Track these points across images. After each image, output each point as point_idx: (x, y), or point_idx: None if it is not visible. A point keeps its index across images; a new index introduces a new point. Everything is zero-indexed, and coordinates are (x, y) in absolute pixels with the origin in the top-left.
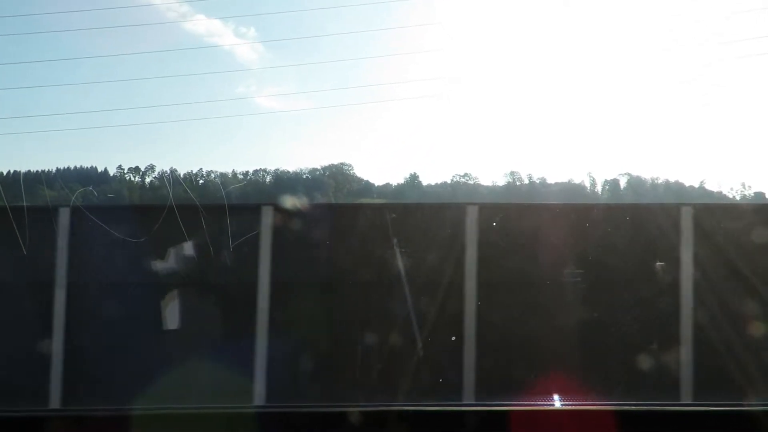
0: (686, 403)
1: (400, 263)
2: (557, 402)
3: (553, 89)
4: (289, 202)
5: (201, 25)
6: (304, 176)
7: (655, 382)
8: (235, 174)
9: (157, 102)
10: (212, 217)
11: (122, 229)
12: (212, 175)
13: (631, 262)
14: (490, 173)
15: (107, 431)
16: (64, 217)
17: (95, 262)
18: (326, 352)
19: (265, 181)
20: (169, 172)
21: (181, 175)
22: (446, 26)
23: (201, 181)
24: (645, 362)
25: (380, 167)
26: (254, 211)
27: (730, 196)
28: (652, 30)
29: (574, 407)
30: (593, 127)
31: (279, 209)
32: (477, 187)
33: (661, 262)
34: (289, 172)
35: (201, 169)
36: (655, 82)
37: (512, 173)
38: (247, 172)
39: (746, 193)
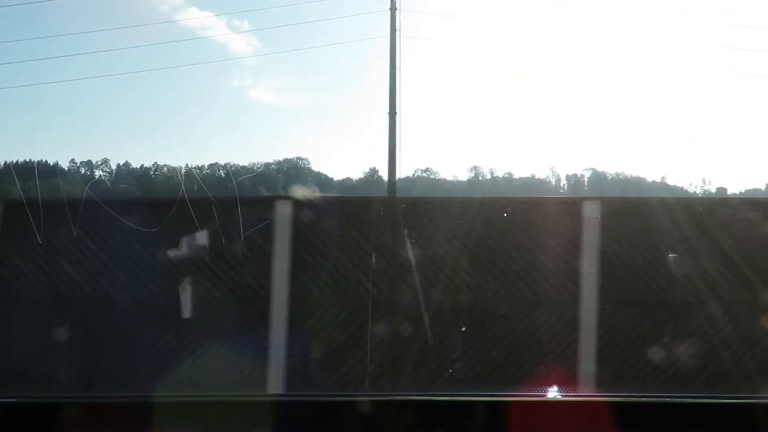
0: (684, 395)
1: (410, 254)
2: (552, 393)
3: (515, 84)
4: (300, 193)
5: (194, 18)
6: (257, 169)
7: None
8: (188, 167)
9: (149, 97)
10: (222, 211)
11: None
12: (165, 168)
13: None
14: (452, 168)
15: (121, 419)
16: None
17: None
18: (336, 341)
19: (217, 176)
20: (111, 166)
21: (138, 168)
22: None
23: (153, 175)
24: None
25: (338, 162)
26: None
27: (691, 191)
28: (615, 24)
29: (580, 398)
30: (556, 122)
31: (296, 201)
32: (439, 182)
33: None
34: (239, 166)
35: (155, 162)
36: (619, 77)
37: (474, 168)
38: (203, 166)
39: (707, 188)
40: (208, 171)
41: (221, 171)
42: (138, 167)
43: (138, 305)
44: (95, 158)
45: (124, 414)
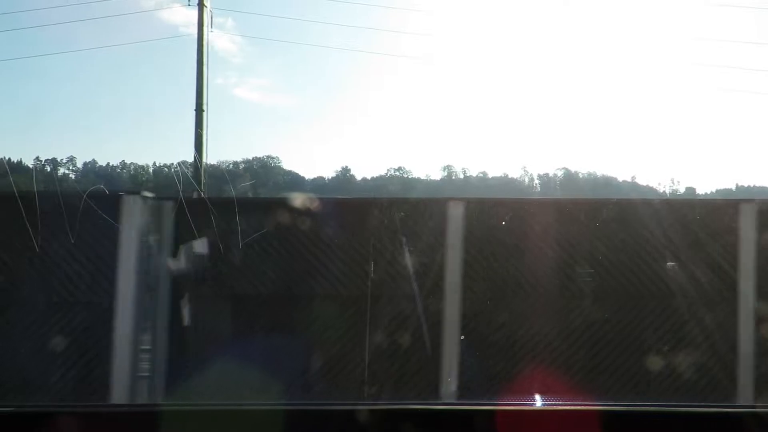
0: (670, 403)
1: (408, 261)
2: (539, 402)
3: (488, 83)
4: (299, 200)
5: (178, 14)
6: (225, 167)
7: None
8: (156, 165)
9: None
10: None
11: None
12: (132, 166)
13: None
14: (425, 167)
15: (120, 428)
16: None
17: None
18: (335, 350)
19: (180, 174)
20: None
21: (104, 167)
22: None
23: (121, 172)
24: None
25: (310, 161)
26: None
27: (660, 191)
28: (587, 27)
29: (578, 408)
30: (529, 122)
31: (289, 207)
32: (412, 181)
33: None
34: (207, 165)
35: (123, 160)
36: (591, 79)
37: (447, 167)
38: (171, 164)
39: (676, 188)
40: (177, 169)
41: (188, 169)
42: (104, 165)
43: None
44: (62, 156)
45: (124, 423)
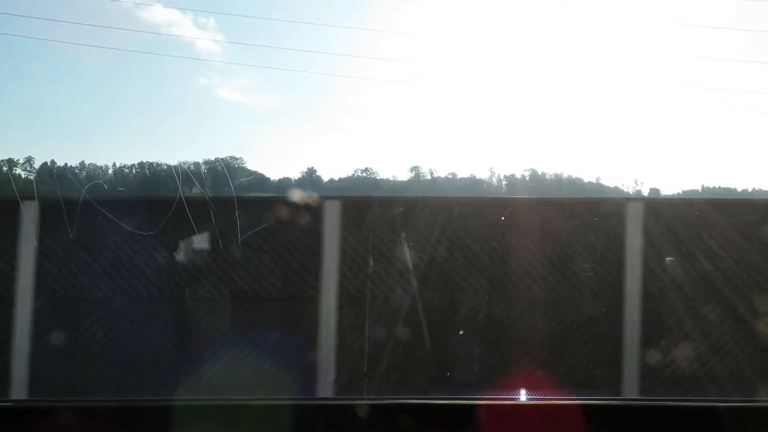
0: (654, 398)
1: (408, 257)
2: (523, 396)
3: (456, 85)
4: (297, 196)
5: (159, 14)
6: (186, 167)
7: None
8: (116, 166)
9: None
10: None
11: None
12: (91, 167)
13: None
14: (392, 168)
15: (120, 423)
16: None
17: None
18: (336, 345)
19: (143, 175)
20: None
21: (62, 167)
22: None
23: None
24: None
25: (277, 162)
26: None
27: (625, 190)
28: (554, 28)
29: (572, 402)
30: (497, 123)
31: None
32: (379, 182)
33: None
34: (167, 165)
35: (82, 161)
36: (557, 81)
37: (415, 168)
38: (133, 164)
39: (639, 188)
40: (138, 170)
41: (147, 170)
42: (62, 165)
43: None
44: (19, 156)
45: (123, 418)
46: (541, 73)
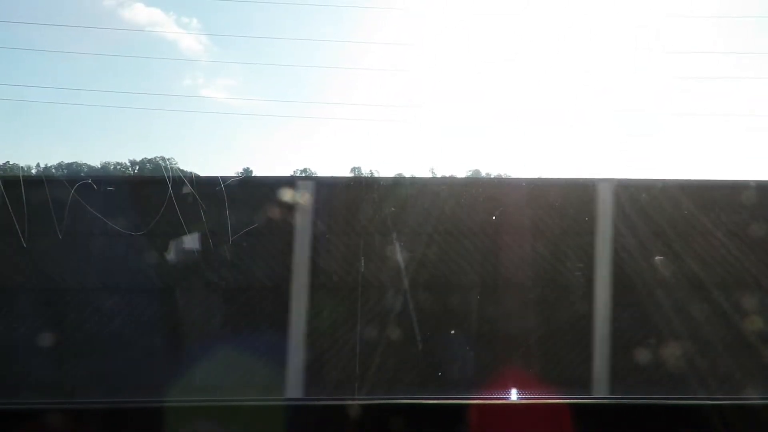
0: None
1: (399, 257)
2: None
3: (400, 85)
4: (288, 195)
5: (141, 13)
6: (113, 168)
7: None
8: (39, 167)
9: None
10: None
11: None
12: (9, 165)
13: None
14: (332, 168)
15: (110, 425)
16: None
17: None
18: (324, 345)
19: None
20: None
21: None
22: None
23: None
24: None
25: (212, 162)
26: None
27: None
28: (503, 26)
29: (568, 401)
30: (439, 123)
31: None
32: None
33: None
34: (88, 165)
35: (7, 162)
36: (502, 79)
37: (356, 168)
38: (51, 165)
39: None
40: (55, 170)
41: (64, 170)
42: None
43: None
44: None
45: (113, 420)
46: (484, 71)
